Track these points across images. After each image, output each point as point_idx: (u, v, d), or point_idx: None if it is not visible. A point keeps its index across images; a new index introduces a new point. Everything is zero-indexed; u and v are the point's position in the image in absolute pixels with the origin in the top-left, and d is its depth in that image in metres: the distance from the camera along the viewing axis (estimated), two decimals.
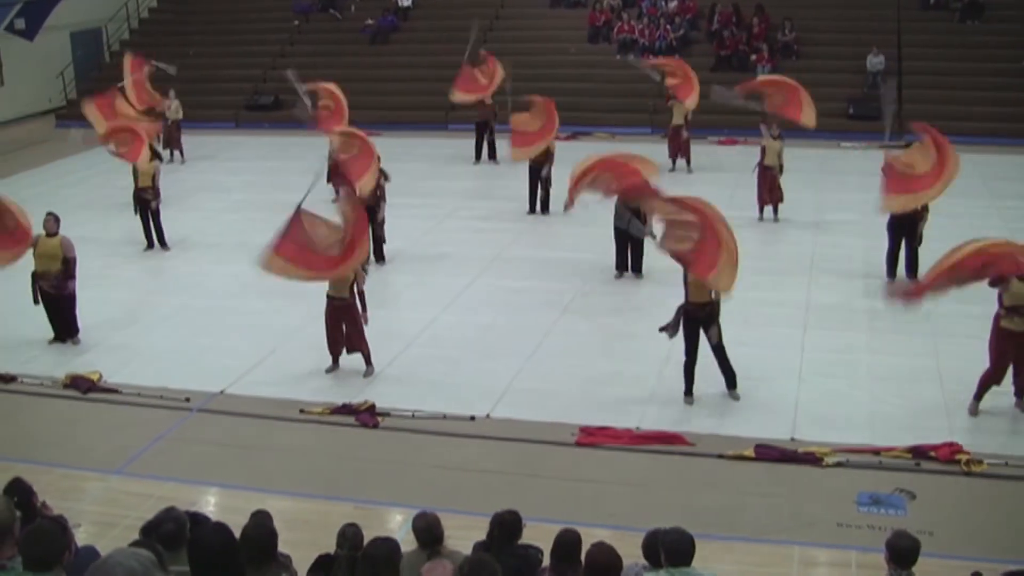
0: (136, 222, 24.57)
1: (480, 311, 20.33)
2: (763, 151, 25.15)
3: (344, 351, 17.90)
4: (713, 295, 16.11)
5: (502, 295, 21.11)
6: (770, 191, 25.15)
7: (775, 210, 25.29)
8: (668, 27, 40.27)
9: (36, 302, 19.06)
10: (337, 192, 26.99)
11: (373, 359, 17.89)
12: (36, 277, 18.90)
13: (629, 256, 21.93)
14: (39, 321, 19.33)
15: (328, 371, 17.94)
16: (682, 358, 16.68)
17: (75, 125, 28.30)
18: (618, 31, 40.75)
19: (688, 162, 30.66)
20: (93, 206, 27.77)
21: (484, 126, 32.75)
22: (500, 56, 33.29)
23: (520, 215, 26.69)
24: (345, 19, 44.61)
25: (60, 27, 43.50)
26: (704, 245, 15.74)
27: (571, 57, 39.98)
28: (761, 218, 25.16)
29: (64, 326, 19.36)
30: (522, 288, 21.59)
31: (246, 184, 30.52)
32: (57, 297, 19.06)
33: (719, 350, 16.44)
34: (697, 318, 16.24)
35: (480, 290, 21.42)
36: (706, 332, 16.27)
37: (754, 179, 25.39)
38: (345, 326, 17.69)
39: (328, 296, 17.59)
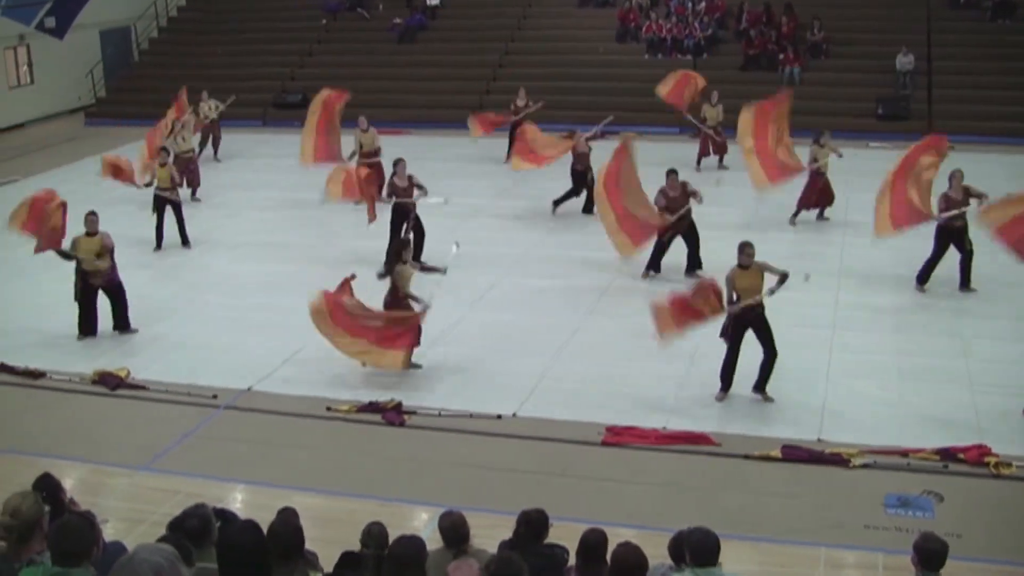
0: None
1: (507, 310, 20.32)
2: (812, 155, 25.10)
3: None
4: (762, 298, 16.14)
5: (528, 294, 21.10)
6: (822, 193, 25.05)
7: (821, 212, 25.22)
8: (696, 26, 40.21)
9: (77, 299, 19.31)
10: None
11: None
12: (85, 275, 19.16)
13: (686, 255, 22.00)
14: (70, 317, 19.47)
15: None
16: (709, 357, 16.64)
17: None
18: (646, 30, 40.70)
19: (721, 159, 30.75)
20: (121, 204, 27.81)
21: (517, 125, 32.71)
22: (528, 54, 33.30)
23: (546, 214, 26.66)
24: (373, 18, 44.70)
25: (89, 26, 43.63)
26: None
27: (599, 56, 39.96)
28: (794, 222, 25.00)
29: (120, 318, 19.64)
30: (548, 287, 21.58)
31: (273, 182, 30.54)
32: (108, 289, 19.39)
33: (772, 351, 16.43)
34: (746, 320, 16.22)
35: (506, 289, 21.43)
36: (757, 334, 16.28)
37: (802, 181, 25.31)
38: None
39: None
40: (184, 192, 26.21)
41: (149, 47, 47.24)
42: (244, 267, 23.58)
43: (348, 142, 27.70)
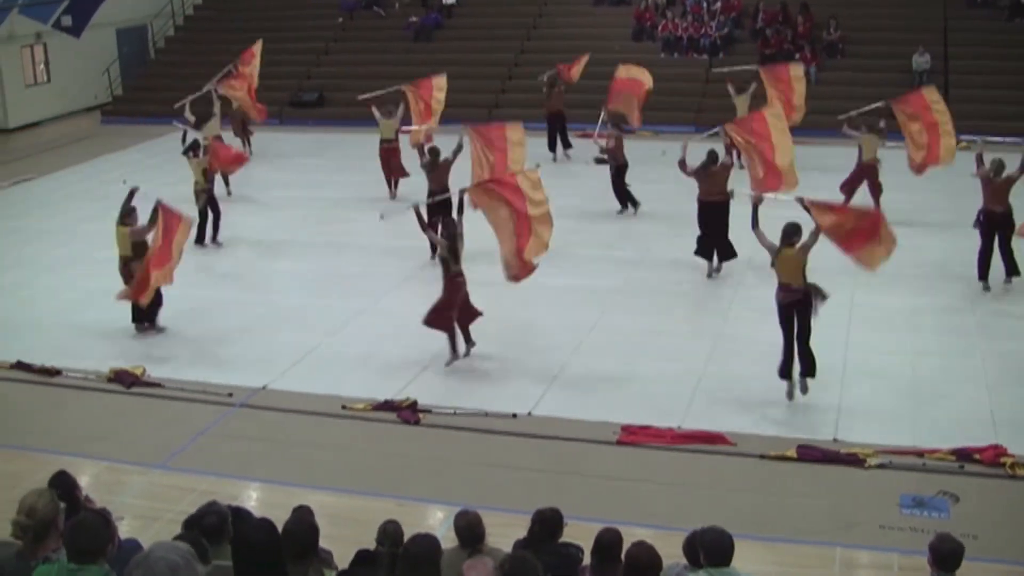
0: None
1: (523, 308, 20.32)
2: (860, 148, 25.20)
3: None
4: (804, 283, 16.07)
5: (545, 292, 21.03)
6: (871, 187, 25.03)
7: (876, 203, 25.11)
8: (712, 25, 40.18)
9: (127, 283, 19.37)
10: (391, 185, 27.33)
11: (422, 353, 18.16)
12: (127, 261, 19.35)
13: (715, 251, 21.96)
14: (92, 313, 19.66)
15: (448, 364, 18.15)
16: (725, 358, 16.61)
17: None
18: (662, 29, 40.68)
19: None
20: (138, 201, 27.91)
21: (557, 118, 32.66)
22: (544, 53, 33.28)
23: (565, 212, 26.60)
24: (389, 16, 44.69)
25: (106, 24, 43.73)
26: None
27: (615, 55, 39.92)
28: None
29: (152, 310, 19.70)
30: (565, 285, 21.55)
31: (291, 181, 30.57)
32: None
33: (807, 337, 16.32)
34: (790, 303, 16.15)
35: (523, 287, 21.39)
36: (804, 318, 16.21)
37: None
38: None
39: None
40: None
41: (165, 45, 47.32)
42: (260, 265, 23.64)
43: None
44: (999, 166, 20.53)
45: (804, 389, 16.36)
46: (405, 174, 27.62)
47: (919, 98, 25.52)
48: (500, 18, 43.61)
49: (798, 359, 16.31)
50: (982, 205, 20.75)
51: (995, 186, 20.38)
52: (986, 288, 20.56)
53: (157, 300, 19.44)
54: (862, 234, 16.35)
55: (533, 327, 19.39)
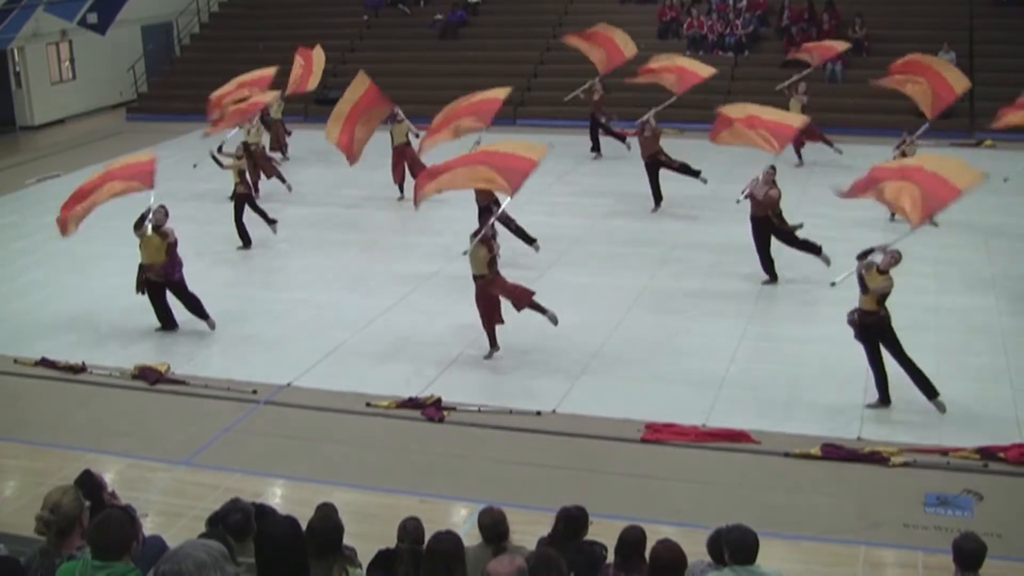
0: (226, 216, 24.82)
1: (548, 305, 20.29)
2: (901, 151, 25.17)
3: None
4: (880, 308, 15.77)
5: (571, 290, 21.05)
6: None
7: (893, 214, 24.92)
8: (738, 23, 40.12)
9: (139, 291, 19.44)
10: (401, 189, 27.30)
11: (447, 351, 18.18)
12: (144, 268, 19.29)
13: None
14: (116, 310, 19.73)
15: (487, 357, 18.19)
16: (749, 356, 16.57)
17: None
18: (688, 27, 40.64)
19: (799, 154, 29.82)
20: (162, 200, 27.92)
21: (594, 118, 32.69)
22: (570, 50, 33.31)
23: (593, 210, 26.65)
24: (414, 14, 44.73)
25: (131, 21, 43.95)
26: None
27: (640, 52, 39.86)
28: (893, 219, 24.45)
29: (194, 310, 19.64)
30: (590, 284, 21.58)
31: (316, 178, 30.65)
32: (166, 284, 19.41)
33: (903, 361, 16.01)
34: (865, 325, 15.91)
35: (549, 284, 21.39)
36: (882, 342, 15.92)
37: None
38: (501, 298, 18.04)
39: (473, 277, 17.90)
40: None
41: (191, 42, 47.43)
42: (285, 262, 23.73)
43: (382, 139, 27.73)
44: None
45: (940, 406, 15.99)
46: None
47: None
48: (526, 15, 43.59)
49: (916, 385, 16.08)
50: None
51: None
52: None
53: (185, 296, 19.52)
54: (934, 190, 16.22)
55: (558, 325, 19.36)
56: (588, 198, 27.14)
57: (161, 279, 19.30)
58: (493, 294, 17.89)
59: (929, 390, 15.83)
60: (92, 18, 41.28)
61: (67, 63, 42.80)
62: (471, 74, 40.53)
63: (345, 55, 43.37)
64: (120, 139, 37.74)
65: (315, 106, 40.08)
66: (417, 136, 26.16)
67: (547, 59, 41.02)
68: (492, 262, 17.73)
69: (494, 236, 18.15)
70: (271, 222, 24.70)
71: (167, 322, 19.67)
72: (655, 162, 26.41)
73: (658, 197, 26.50)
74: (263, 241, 24.70)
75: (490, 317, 18.02)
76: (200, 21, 48.07)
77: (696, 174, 26.53)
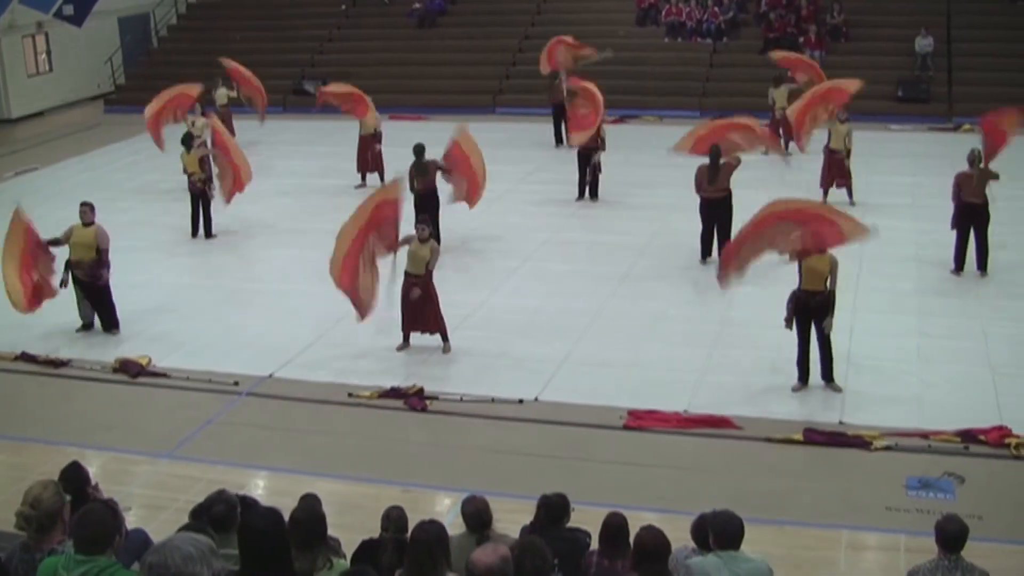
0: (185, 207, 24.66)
1: (529, 294, 20.32)
2: (829, 135, 25.03)
3: (419, 331, 18.05)
4: (827, 284, 15.90)
5: (551, 279, 21.08)
6: (839, 174, 24.93)
7: (849, 192, 24.92)
8: (716, 9, 40.14)
9: (63, 285, 18.89)
10: (363, 178, 27.34)
11: (428, 340, 18.10)
12: (70, 264, 18.87)
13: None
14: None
15: (399, 349, 18.10)
16: (730, 342, 16.59)
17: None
18: (666, 14, 40.65)
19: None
20: (142, 192, 27.94)
21: (562, 108, 32.59)
22: (548, 39, 33.21)
23: (570, 200, 26.64)
24: (392, 3, 44.66)
25: (108, 13, 43.77)
26: (814, 225, 15.93)
27: (619, 40, 39.89)
28: (825, 201, 24.67)
29: (105, 318, 19.26)
30: (571, 272, 21.59)
31: (295, 169, 30.58)
32: (92, 287, 18.99)
33: (826, 341, 16.19)
34: (808, 306, 15.99)
35: (529, 273, 21.40)
36: (818, 322, 15.99)
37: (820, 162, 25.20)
38: (422, 304, 17.78)
39: (405, 273, 17.73)
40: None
41: (168, 34, 47.34)
42: (265, 253, 23.68)
43: (341, 127, 27.68)
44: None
45: (836, 388, 16.29)
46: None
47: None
48: (504, 4, 43.55)
49: (821, 363, 16.34)
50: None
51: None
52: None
53: (105, 297, 19.21)
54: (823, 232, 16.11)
55: (539, 313, 19.37)
56: (569, 186, 27.10)
57: (88, 280, 18.88)
58: (426, 295, 17.76)
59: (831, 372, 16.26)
60: (68, 10, 41.05)
61: (43, 55, 42.61)
62: (450, 63, 40.65)
63: (323, 44, 43.37)
64: (98, 131, 37.67)
65: (293, 96, 40.02)
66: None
67: (525, 48, 40.92)
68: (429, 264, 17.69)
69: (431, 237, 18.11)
70: (208, 231, 24.68)
71: (109, 323, 19.31)
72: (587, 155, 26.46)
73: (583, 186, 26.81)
74: (242, 232, 24.66)
75: (414, 317, 17.96)
76: (177, 12, 47.99)
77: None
